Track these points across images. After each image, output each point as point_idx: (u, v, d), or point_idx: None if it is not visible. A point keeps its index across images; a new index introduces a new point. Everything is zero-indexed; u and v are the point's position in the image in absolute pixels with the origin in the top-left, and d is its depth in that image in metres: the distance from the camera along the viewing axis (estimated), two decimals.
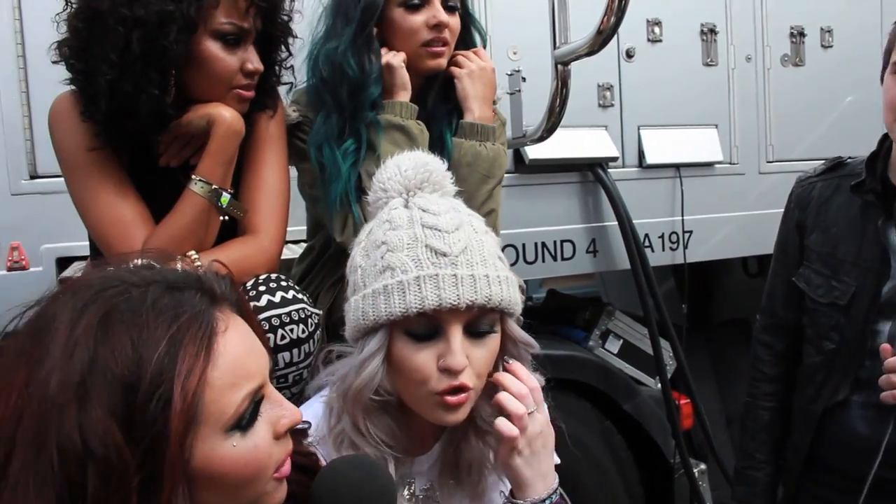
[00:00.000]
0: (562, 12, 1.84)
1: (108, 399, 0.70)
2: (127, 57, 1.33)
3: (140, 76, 1.34)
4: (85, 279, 0.80)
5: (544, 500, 1.08)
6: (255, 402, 0.80)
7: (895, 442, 1.49)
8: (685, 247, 2.74)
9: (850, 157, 1.73)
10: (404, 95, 1.67)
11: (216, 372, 0.76)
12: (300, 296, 1.44)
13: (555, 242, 2.52)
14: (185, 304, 0.77)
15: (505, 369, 1.12)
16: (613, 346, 2.82)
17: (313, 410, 1.18)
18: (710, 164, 2.80)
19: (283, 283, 1.44)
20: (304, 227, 1.95)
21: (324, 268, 1.78)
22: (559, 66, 1.87)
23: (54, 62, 1.44)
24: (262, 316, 1.37)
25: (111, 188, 1.44)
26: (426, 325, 1.05)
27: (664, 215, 2.72)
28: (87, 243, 1.73)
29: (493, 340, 1.09)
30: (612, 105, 2.60)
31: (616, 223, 2.55)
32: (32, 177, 2.03)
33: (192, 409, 0.73)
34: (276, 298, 1.40)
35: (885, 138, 1.62)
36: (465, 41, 1.78)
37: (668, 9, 2.65)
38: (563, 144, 2.39)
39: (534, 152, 2.38)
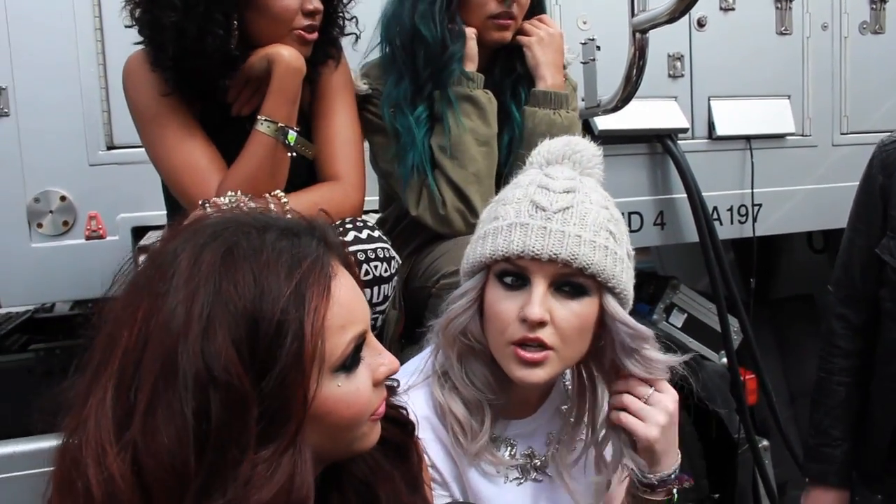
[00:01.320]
0: None
1: (230, 330, 0.73)
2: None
3: (203, 18, 1.37)
4: (200, 220, 0.83)
5: (673, 472, 1.10)
6: (358, 346, 0.83)
7: None
8: (754, 220, 2.69)
9: None
10: (470, 66, 1.67)
11: (330, 314, 0.79)
12: (385, 237, 1.48)
13: (622, 214, 2.48)
14: (304, 247, 0.80)
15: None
16: (678, 320, 2.80)
17: (422, 352, 1.23)
18: (781, 136, 2.73)
19: (369, 224, 1.48)
20: (376, 198, 1.96)
21: (398, 238, 1.79)
22: (637, 34, 1.83)
23: (127, 26, 1.49)
24: (349, 249, 1.40)
25: (184, 136, 1.49)
26: (514, 273, 1.08)
27: (734, 188, 2.66)
28: (163, 212, 1.77)
29: (583, 305, 1.09)
30: (683, 75, 2.55)
31: (685, 195, 2.50)
32: (109, 147, 2.07)
33: (319, 347, 0.77)
34: (363, 235, 1.44)
35: None
36: (533, 13, 1.77)
37: None
38: (632, 115, 2.34)
39: (602, 123, 2.34)
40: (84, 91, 2.03)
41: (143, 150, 1.76)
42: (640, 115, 2.41)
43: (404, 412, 1.03)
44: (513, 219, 1.08)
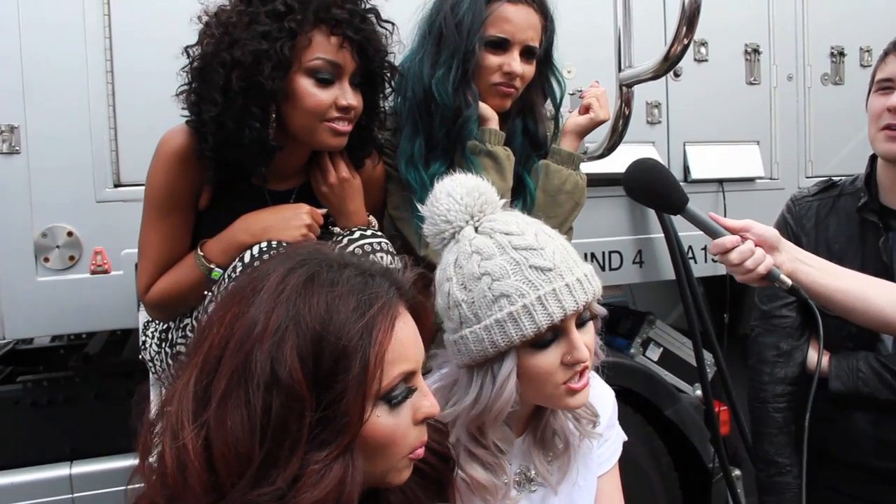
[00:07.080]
0: (626, 38, 1.93)
1: (298, 344, 0.85)
2: (229, 95, 1.45)
3: (241, 111, 1.46)
4: (295, 248, 0.98)
5: None
6: (407, 385, 0.93)
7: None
8: None
9: (839, 179, 1.86)
10: (493, 123, 1.75)
11: (389, 349, 0.90)
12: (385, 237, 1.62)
13: (603, 253, 2.61)
14: (377, 288, 0.91)
15: None
16: (654, 353, 2.92)
17: None
18: (751, 179, 2.88)
19: (375, 227, 1.64)
20: None
21: None
22: (623, 88, 1.96)
23: (183, 108, 1.58)
24: (357, 243, 1.53)
25: (161, 229, 1.60)
26: (552, 333, 1.15)
27: None
28: None
29: (592, 324, 1.21)
30: (660, 122, 2.70)
31: (662, 235, 2.64)
32: (116, 185, 2.13)
33: (378, 376, 0.87)
34: (368, 232, 1.58)
35: (874, 158, 1.72)
36: (543, 89, 1.86)
37: (714, 29, 2.74)
38: (613, 160, 2.46)
39: (586, 167, 2.45)
40: (93, 130, 2.09)
41: None
42: (620, 159, 2.53)
43: (448, 447, 1.12)
44: (533, 292, 1.12)
